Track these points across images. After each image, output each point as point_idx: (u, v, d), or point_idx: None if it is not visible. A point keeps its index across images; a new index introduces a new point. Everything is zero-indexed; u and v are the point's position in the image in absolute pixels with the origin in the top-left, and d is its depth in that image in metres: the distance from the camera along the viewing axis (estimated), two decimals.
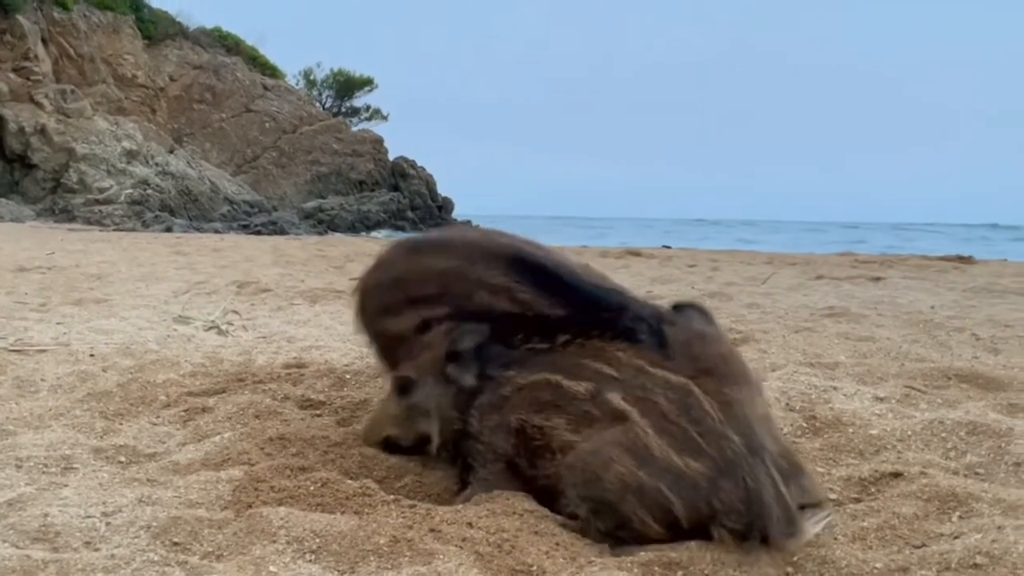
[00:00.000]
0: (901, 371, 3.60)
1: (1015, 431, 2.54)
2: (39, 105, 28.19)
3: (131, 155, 29.43)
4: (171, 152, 32.25)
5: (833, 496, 2.24)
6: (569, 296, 2.31)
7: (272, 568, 1.72)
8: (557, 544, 1.87)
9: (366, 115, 44.75)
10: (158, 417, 2.92)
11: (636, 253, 13.63)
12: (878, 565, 1.82)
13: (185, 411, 2.95)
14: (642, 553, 1.80)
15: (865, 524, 2.02)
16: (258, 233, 24.76)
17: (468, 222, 41.56)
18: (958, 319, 5.61)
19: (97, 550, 1.80)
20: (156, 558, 1.74)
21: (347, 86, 44.38)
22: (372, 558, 1.78)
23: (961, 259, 12.82)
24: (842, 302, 6.74)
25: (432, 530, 1.89)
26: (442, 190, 42.50)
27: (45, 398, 3.13)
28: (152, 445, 2.63)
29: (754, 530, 1.84)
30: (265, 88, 38.41)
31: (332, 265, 10.33)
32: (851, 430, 2.69)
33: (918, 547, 1.90)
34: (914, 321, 5.44)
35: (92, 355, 3.82)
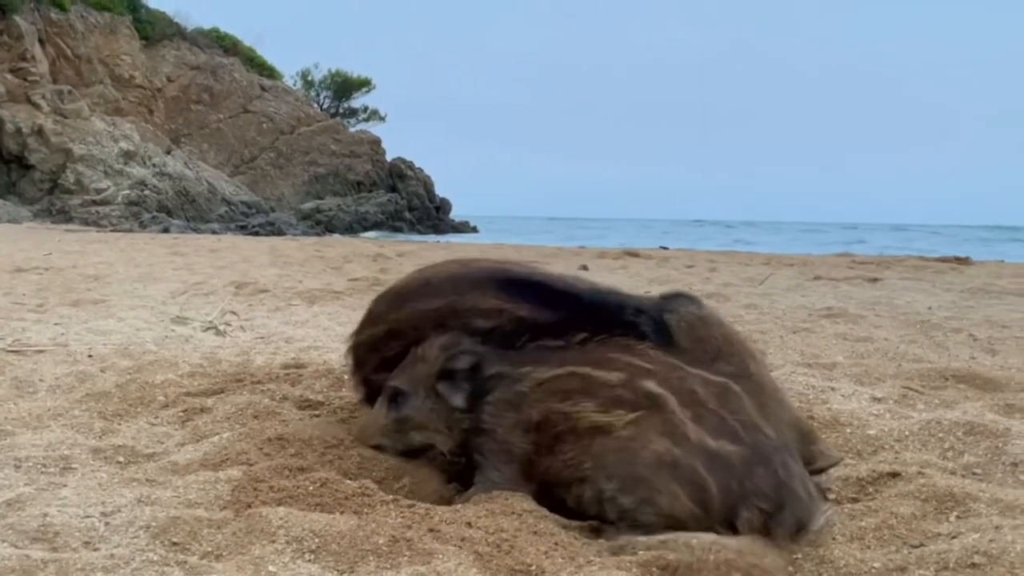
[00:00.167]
0: (899, 371, 3.61)
1: (1012, 431, 2.55)
2: (36, 106, 28.17)
3: (128, 156, 29.41)
4: (168, 153, 32.23)
5: (831, 496, 2.24)
6: (567, 302, 2.32)
7: (271, 568, 1.72)
8: (556, 544, 1.87)
9: (364, 116, 44.81)
10: (156, 417, 2.92)
11: (634, 254, 13.65)
12: (876, 565, 1.83)
13: (184, 411, 2.95)
14: (641, 553, 1.81)
15: (863, 524, 2.03)
16: (256, 234, 24.75)
17: (466, 223, 41.64)
18: (955, 320, 5.63)
19: (96, 550, 1.80)
20: (155, 558, 1.74)
21: (345, 87, 44.42)
22: (371, 558, 1.78)
23: (958, 260, 12.86)
24: (840, 303, 6.76)
25: (431, 530, 1.89)
26: (440, 191, 42.56)
27: (43, 398, 3.12)
28: (151, 445, 2.62)
29: (783, 514, 1.87)
30: (263, 89, 38.41)
31: (330, 266, 10.33)
32: (849, 430, 2.70)
33: (916, 547, 1.90)
34: (911, 322, 5.45)
35: (90, 356, 3.82)
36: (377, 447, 2.39)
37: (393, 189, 39.80)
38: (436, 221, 39.73)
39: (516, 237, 28.37)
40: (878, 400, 3.08)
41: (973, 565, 1.75)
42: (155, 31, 35.45)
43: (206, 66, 36.67)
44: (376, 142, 40.79)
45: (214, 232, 24.64)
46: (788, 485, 1.91)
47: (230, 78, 37.24)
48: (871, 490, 2.26)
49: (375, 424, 2.40)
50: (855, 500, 2.22)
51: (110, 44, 32.60)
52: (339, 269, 9.87)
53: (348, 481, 2.15)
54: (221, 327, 4.83)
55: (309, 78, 43.97)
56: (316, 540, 1.82)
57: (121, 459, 2.48)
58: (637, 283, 8.17)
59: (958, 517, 2.03)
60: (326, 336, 4.64)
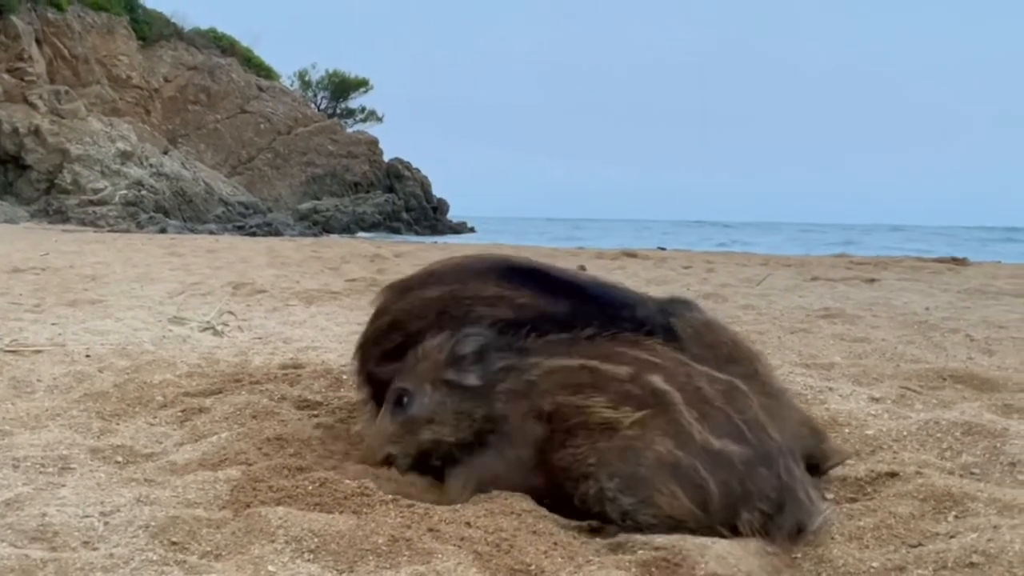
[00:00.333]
0: (896, 372, 3.61)
1: (1010, 431, 2.56)
2: (33, 106, 28.14)
3: (125, 156, 29.39)
4: (165, 153, 32.21)
5: (830, 496, 2.25)
6: (571, 294, 2.32)
7: (271, 567, 1.72)
8: (555, 544, 1.87)
9: (361, 116, 44.78)
10: (155, 417, 2.92)
11: (632, 254, 13.67)
12: (875, 564, 1.83)
13: (182, 411, 2.94)
14: (640, 552, 1.81)
15: (862, 523, 2.03)
16: (253, 234, 24.75)
17: (463, 223, 41.65)
18: (952, 320, 5.64)
19: (95, 549, 1.80)
20: (155, 557, 1.74)
21: (342, 87, 44.39)
22: (371, 557, 1.78)
23: (955, 261, 12.88)
24: (837, 303, 6.76)
25: (430, 530, 1.89)
26: (437, 192, 42.57)
27: (41, 398, 3.12)
28: (149, 445, 2.62)
29: (783, 516, 1.87)
30: (260, 89, 38.38)
31: (327, 266, 10.33)
32: (847, 430, 2.71)
33: (914, 546, 1.91)
34: (909, 322, 5.46)
35: (88, 356, 3.82)
36: (386, 461, 2.31)
37: (390, 189, 39.80)
38: (433, 222, 39.75)
39: (514, 238, 28.39)
40: (876, 400, 3.08)
41: (971, 564, 1.76)
42: (152, 31, 35.41)
43: (203, 66, 36.64)
44: (373, 142, 40.78)
45: (211, 232, 24.63)
46: (790, 487, 1.91)
47: (227, 78, 37.21)
48: (869, 490, 2.27)
49: (381, 435, 2.33)
50: (853, 500, 2.23)
51: (107, 44, 32.56)
52: (336, 269, 9.87)
53: (347, 481, 2.15)
54: (219, 327, 4.82)
55: (306, 78, 43.97)
56: (315, 540, 1.82)
57: (120, 459, 2.48)
58: (635, 284, 8.15)
59: (956, 517, 2.03)
60: (324, 336, 4.64)
